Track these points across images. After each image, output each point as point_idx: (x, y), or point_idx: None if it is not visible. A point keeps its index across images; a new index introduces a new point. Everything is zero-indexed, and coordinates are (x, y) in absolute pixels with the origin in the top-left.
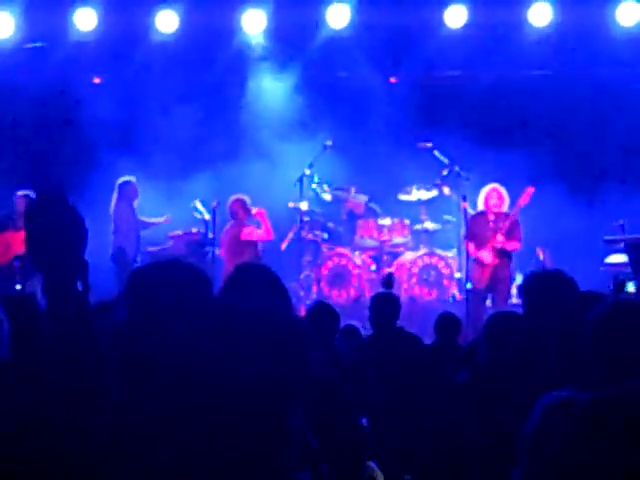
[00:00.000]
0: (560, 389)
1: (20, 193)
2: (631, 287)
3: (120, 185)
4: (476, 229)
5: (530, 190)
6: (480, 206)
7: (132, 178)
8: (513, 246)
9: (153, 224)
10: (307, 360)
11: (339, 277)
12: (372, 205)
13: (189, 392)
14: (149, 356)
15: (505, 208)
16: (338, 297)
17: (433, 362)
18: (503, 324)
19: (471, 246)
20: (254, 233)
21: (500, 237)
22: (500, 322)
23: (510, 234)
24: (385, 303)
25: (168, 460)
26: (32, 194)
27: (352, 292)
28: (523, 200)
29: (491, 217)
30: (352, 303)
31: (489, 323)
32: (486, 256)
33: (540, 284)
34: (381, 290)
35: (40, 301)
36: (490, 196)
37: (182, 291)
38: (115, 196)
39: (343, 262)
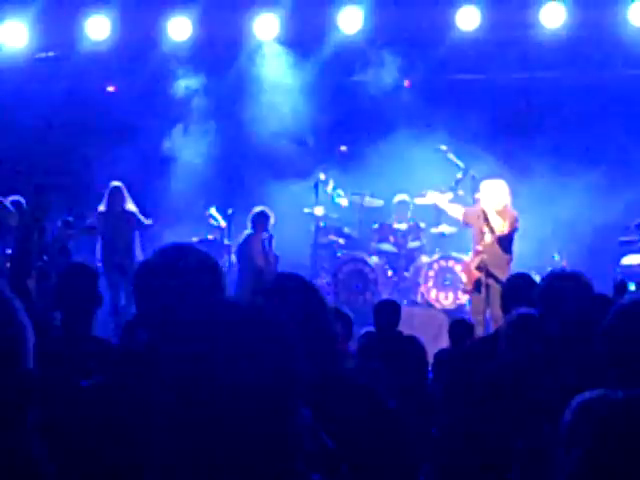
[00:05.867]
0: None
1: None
2: (632, 287)
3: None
4: None
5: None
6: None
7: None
8: None
9: None
10: (294, 357)
11: (355, 282)
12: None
13: (187, 389)
14: (153, 346)
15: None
16: (355, 302)
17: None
18: (524, 323)
19: None
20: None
21: None
22: (521, 321)
23: None
24: (388, 308)
25: (170, 461)
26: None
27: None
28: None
29: None
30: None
31: (509, 323)
32: None
33: (557, 285)
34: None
35: None
36: None
37: (188, 276)
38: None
39: (359, 267)
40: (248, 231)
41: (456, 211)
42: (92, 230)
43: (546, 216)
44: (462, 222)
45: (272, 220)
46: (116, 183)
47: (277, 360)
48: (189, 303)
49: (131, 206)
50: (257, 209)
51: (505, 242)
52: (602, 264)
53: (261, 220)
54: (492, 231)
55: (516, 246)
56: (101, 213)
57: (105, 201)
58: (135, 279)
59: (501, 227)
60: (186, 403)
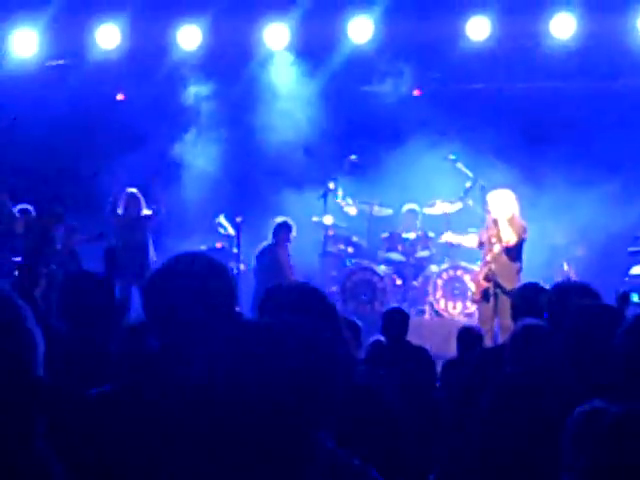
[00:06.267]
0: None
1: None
2: (636, 298)
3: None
4: None
5: None
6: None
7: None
8: None
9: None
10: (333, 379)
11: (364, 291)
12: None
13: (196, 396)
14: (162, 353)
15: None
16: (363, 311)
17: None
18: (528, 334)
19: None
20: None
21: None
22: (525, 332)
23: None
24: (397, 316)
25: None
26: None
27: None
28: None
29: None
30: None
31: (514, 333)
32: None
33: (563, 296)
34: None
35: None
36: None
37: (200, 284)
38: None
39: (368, 276)
40: (268, 241)
41: (471, 241)
42: (101, 236)
43: (559, 226)
44: (477, 247)
45: (294, 232)
46: (132, 189)
47: (309, 380)
48: (200, 310)
49: (147, 211)
50: (279, 219)
51: (513, 252)
52: (613, 274)
53: (284, 231)
54: (501, 241)
55: (528, 255)
56: (117, 218)
57: (122, 206)
58: (146, 286)
59: (508, 237)
60: (195, 410)
